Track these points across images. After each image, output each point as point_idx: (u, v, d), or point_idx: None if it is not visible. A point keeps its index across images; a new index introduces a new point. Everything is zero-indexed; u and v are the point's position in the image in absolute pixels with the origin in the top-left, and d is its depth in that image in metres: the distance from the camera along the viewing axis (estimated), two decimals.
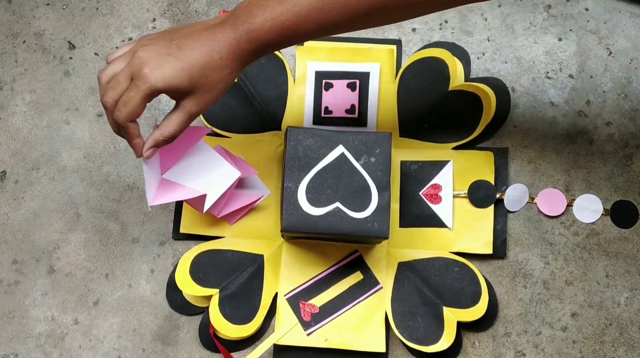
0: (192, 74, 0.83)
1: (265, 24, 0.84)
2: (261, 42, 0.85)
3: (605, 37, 1.18)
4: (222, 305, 1.10)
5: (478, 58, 1.18)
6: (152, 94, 0.83)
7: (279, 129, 1.16)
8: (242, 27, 0.84)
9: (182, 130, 0.88)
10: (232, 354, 1.11)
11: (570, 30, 1.18)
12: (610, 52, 1.17)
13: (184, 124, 0.88)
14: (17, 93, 1.21)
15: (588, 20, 1.18)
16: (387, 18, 0.88)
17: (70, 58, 1.22)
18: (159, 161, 0.97)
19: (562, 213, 1.12)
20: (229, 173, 1.02)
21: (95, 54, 1.22)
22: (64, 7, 1.24)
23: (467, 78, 1.17)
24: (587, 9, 1.18)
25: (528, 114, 1.16)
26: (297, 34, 0.86)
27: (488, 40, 1.19)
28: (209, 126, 1.16)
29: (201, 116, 1.16)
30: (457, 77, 1.15)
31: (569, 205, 1.13)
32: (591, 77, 1.17)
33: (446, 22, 1.20)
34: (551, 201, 1.13)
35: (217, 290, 1.11)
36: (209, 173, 1.01)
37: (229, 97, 1.16)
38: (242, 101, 1.17)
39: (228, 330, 1.10)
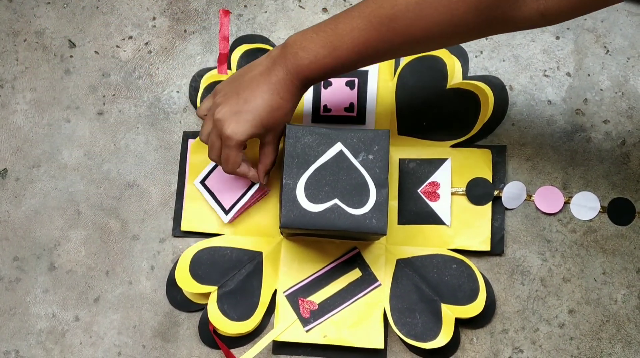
0: (263, 120, 0.99)
1: (310, 65, 0.96)
2: (307, 78, 0.98)
3: (602, 35, 1.18)
4: (220, 302, 1.11)
5: (476, 56, 1.18)
6: (240, 145, 1.01)
7: None
8: (291, 67, 0.97)
9: (276, 157, 1.08)
10: (232, 350, 1.12)
11: (568, 28, 1.18)
12: (608, 51, 1.18)
13: (275, 153, 1.07)
14: (18, 91, 1.21)
15: (585, 19, 1.18)
16: (414, 51, 1.00)
17: (71, 56, 1.23)
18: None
19: (560, 211, 1.13)
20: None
21: (96, 52, 1.23)
22: (65, 5, 1.24)
23: (465, 76, 1.17)
24: None
25: (526, 112, 1.16)
26: (335, 72, 0.98)
27: (486, 38, 1.19)
28: None
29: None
30: (455, 75, 1.15)
31: (567, 203, 1.13)
32: (588, 75, 1.17)
33: None
34: (549, 198, 1.13)
35: (216, 287, 1.12)
36: None
37: None
38: None
39: (227, 326, 1.10)
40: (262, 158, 1.07)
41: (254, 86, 1.00)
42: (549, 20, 0.88)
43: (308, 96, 1.17)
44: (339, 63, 0.96)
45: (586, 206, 1.13)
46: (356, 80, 1.17)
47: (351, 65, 0.97)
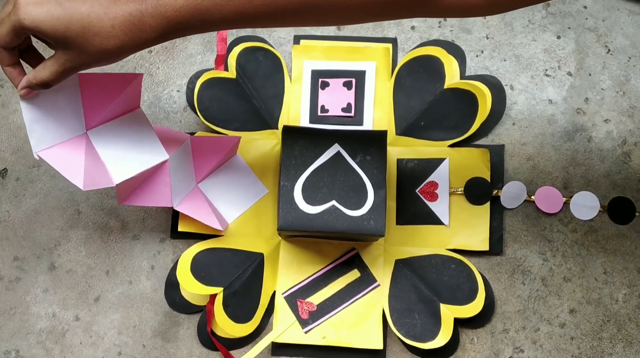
0: (69, 29, 0.76)
1: (178, 0, 0.77)
2: (169, 20, 0.78)
3: (603, 35, 1.18)
4: (225, 304, 1.11)
5: (477, 56, 1.18)
6: (19, 29, 0.77)
7: (276, 127, 1.16)
8: (151, 4, 0.77)
9: (56, 80, 0.82)
10: (231, 352, 1.12)
11: (569, 28, 1.18)
12: (609, 50, 1.17)
13: (58, 76, 0.81)
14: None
15: (586, 18, 1.18)
16: (320, 19, 0.82)
17: None
18: (51, 108, 0.92)
19: (560, 211, 1.13)
20: (157, 154, 1.01)
21: None
22: None
23: (463, 76, 1.17)
24: (585, 7, 1.19)
25: (527, 111, 1.16)
26: (212, 19, 0.79)
27: (487, 38, 1.19)
28: (206, 122, 1.16)
29: (198, 112, 1.16)
30: (452, 75, 1.15)
31: (567, 203, 1.13)
32: (589, 74, 1.17)
33: (445, 20, 1.20)
34: (549, 198, 1.13)
35: (221, 289, 1.12)
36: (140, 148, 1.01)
37: (226, 94, 1.17)
38: (240, 98, 1.17)
39: (232, 329, 1.10)
40: (39, 69, 0.82)
41: None
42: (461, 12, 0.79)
43: (305, 96, 1.17)
44: (217, 5, 0.77)
45: (586, 205, 1.13)
46: (353, 80, 1.16)
47: (233, 14, 0.79)
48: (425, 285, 1.11)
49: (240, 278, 1.13)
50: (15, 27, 0.77)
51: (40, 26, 0.76)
